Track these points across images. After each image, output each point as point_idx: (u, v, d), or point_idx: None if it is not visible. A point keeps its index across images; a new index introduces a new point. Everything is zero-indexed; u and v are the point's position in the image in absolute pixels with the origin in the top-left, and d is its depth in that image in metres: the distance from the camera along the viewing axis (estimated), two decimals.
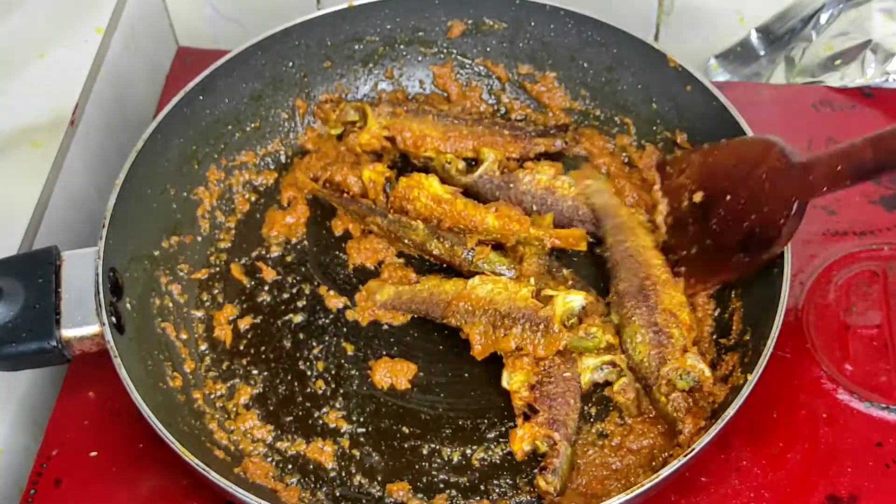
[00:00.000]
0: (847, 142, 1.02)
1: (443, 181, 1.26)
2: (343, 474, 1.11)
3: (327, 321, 1.22)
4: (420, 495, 1.09)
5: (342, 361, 1.19)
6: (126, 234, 1.17)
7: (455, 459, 1.11)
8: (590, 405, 1.14)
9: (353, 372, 1.18)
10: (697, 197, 1.16)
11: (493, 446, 1.12)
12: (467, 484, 1.10)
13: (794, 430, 1.13)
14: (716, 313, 1.18)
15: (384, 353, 1.19)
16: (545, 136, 1.34)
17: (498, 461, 1.11)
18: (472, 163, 1.31)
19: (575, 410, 1.09)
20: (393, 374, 1.17)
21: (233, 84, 1.32)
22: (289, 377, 1.18)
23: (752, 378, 1.03)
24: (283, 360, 1.19)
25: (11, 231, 1.20)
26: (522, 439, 1.07)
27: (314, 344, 1.21)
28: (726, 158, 1.15)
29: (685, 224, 1.18)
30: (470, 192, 1.28)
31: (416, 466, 1.11)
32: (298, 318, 1.22)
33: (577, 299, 1.10)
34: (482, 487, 1.10)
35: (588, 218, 1.25)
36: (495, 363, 1.14)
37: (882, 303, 1.20)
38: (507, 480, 1.10)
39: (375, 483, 1.10)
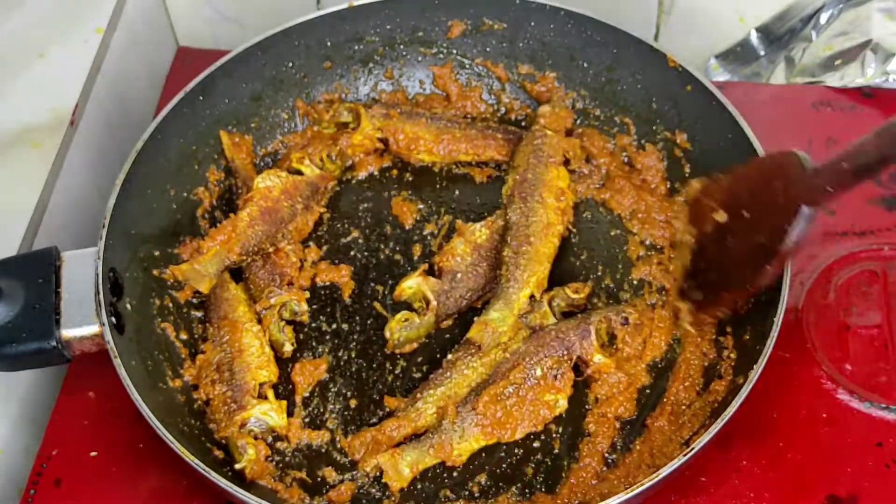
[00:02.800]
0: (853, 142, 1.02)
1: None
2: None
3: (323, 318, 1.23)
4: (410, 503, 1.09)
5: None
6: (126, 234, 1.17)
7: (454, 475, 1.11)
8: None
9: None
10: (720, 217, 1.13)
11: (497, 470, 1.11)
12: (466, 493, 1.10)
13: (794, 430, 1.13)
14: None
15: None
16: None
17: (502, 484, 1.10)
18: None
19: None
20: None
21: (233, 84, 1.32)
22: (286, 375, 1.18)
23: (752, 378, 1.03)
24: (281, 360, 1.19)
25: (11, 231, 1.20)
26: (409, 287, 1.20)
27: (314, 344, 1.21)
28: (750, 176, 1.14)
29: (706, 248, 1.17)
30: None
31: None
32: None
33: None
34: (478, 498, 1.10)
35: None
36: None
37: (882, 303, 1.20)
38: (509, 492, 1.10)
39: (376, 484, 1.10)
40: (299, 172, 1.29)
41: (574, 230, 1.28)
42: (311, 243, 1.28)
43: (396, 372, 1.18)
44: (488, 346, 1.14)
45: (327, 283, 1.25)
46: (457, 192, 1.33)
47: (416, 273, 1.21)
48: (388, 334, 1.18)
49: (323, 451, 1.12)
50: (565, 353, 1.13)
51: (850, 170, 0.97)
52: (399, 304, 1.22)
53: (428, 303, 1.19)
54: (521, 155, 1.29)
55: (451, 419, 1.09)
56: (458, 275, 1.21)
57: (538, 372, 1.11)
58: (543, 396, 1.11)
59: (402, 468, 1.08)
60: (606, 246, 1.27)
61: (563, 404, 1.12)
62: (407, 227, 1.30)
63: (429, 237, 1.28)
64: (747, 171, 1.14)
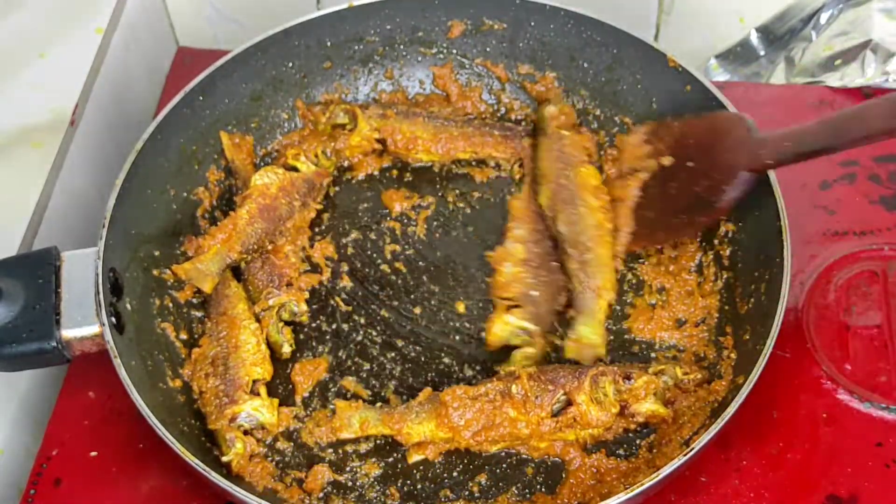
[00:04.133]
0: (802, 124, 1.09)
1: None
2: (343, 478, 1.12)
3: (323, 318, 1.23)
4: (410, 503, 1.09)
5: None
6: (126, 234, 1.17)
7: (454, 475, 1.11)
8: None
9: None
10: (666, 161, 1.21)
11: (497, 469, 1.11)
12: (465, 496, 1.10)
13: (794, 430, 1.13)
14: (716, 313, 1.19)
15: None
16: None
17: (502, 484, 1.10)
18: None
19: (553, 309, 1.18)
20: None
21: (233, 84, 1.32)
22: (286, 375, 1.18)
23: (752, 378, 1.03)
24: (281, 361, 1.19)
25: (11, 231, 1.20)
26: (502, 330, 1.16)
27: (314, 344, 1.21)
28: (701, 129, 1.21)
29: (648, 187, 1.23)
30: None
31: (413, 473, 1.11)
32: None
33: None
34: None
35: None
36: None
37: (882, 303, 1.20)
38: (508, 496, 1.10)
39: (376, 484, 1.10)
40: (295, 169, 1.29)
41: None
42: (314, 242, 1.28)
43: (396, 373, 1.18)
44: (590, 362, 1.14)
45: (327, 283, 1.25)
46: (457, 192, 1.33)
47: (496, 315, 1.18)
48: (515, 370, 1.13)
49: (321, 450, 1.13)
50: (552, 386, 1.08)
51: (791, 151, 1.04)
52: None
53: (530, 332, 1.16)
54: (545, 162, 1.28)
55: (419, 399, 1.10)
56: (532, 291, 1.19)
57: (513, 388, 1.08)
58: (511, 413, 1.08)
59: (353, 420, 1.10)
60: None
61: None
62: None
63: None
64: (698, 123, 1.21)
